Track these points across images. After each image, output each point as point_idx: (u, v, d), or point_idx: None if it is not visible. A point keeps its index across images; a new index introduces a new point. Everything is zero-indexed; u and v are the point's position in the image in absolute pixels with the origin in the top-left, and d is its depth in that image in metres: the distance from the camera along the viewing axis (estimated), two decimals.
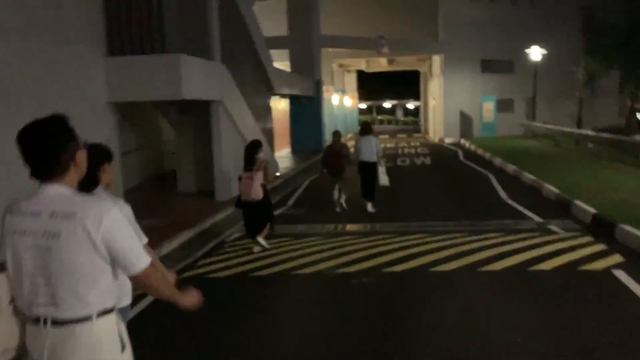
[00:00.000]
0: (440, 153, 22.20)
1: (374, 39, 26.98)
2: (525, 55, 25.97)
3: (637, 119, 29.43)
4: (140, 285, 2.18)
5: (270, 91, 16.51)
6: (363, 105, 64.57)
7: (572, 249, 6.84)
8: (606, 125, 28.20)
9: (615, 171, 13.16)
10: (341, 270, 6.45)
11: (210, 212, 9.93)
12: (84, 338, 2.01)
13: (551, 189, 10.85)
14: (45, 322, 2.00)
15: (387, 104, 67.23)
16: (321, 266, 6.63)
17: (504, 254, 6.73)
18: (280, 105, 27.29)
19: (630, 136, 17.30)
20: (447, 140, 28.37)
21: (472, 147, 22.74)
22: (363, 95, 58.78)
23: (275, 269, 6.55)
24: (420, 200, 11.48)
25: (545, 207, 9.97)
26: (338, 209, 10.36)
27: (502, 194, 11.65)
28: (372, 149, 10.24)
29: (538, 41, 25.41)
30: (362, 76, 45.70)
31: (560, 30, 26.93)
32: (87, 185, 2.55)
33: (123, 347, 2.12)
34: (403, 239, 7.79)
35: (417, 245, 7.38)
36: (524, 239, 7.46)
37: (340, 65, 35.79)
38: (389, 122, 62.51)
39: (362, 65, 35.95)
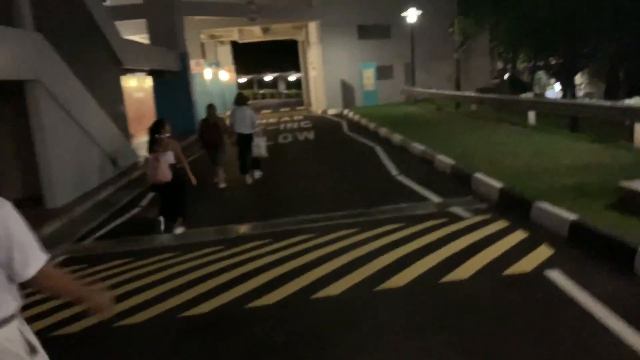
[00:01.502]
0: (324, 126, 20.73)
1: (243, 5, 24.66)
2: (402, 20, 25.14)
3: (515, 78, 30.16)
4: (42, 286, 1.95)
5: (119, 66, 13.82)
6: (243, 80, 61.93)
7: (487, 241, 5.46)
8: (480, 86, 28.59)
9: (506, 133, 12.37)
10: (184, 313, 4.50)
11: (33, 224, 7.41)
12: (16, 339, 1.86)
13: (444, 159, 9.63)
14: None
15: (269, 77, 65.10)
16: (159, 308, 4.63)
17: (406, 258, 5.17)
18: (146, 85, 24.29)
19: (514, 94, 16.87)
20: (331, 112, 27.06)
21: (356, 118, 21.54)
22: (242, 69, 56.10)
23: (90, 321, 4.44)
24: (302, 185, 9.76)
25: (442, 182, 8.70)
26: (222, 185, 10.02)
27: (392, 169, 10.28)
28: (246, 120, 10.04)
29: (413, 4, 24.65)
30: (237, 48, 42.98)
31: None
32: None
33: (33, 350, 1.94)
34: (278, 247, 6.00)
35: (296, 255, 5.62)
36: (426, 231, 5.99)
37: (212, 37, 32.97)
38: (272, 96, 60.45)
39: (235, 35, 33.37)
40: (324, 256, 5.49)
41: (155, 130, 7.07)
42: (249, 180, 10.28)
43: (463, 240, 5.54)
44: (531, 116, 13.44)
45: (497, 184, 7.23)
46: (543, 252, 5.00)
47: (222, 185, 10.09)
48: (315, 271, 5.08)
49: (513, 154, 9.51)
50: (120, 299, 4.76)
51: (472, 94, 18.87)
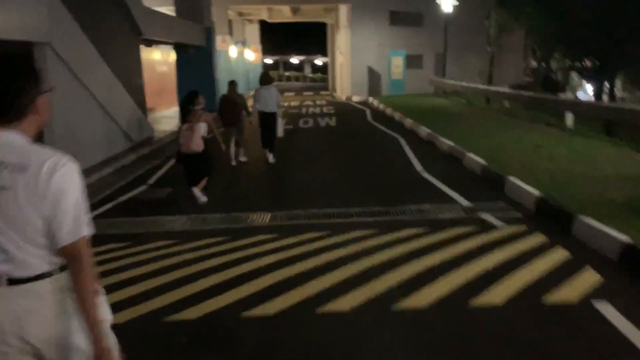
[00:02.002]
0: (347, 113, 20.02)
1: None
2: (436, 8, 24.16)
3: (548, 77, 28.95)
4: (69, 261, 1.77)
5: (139, 36, 13.27)
6: (269, 61, 61.19)
7: (523, 258, 4.78)
8: (511, 83, 27.53)
9: (540, 134, 11.55)
10: (170, 317, 3.93)
11: None
12: (47, 295, 1.77)
13: (475, 158, 8.90)
14: (0, 281, 1.74)
15: (295, 60, 64.18)
16: (144, 307, 4.07)
17: (430, 273, 4.53)
18: (170, 58, 23.80)
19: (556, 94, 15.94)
20: (355, 99, 26.29)
21: (381, 106, 20.77)
22: (269, 49, 55.37)
23: None
24: (319, 175, 9.14)
25: (470, 183, 8.00)
26: (233, 162, 10.01)
27: (417, 164, 9.58)
28: (272, 99, 10.02)
29: None
30: (266, 28, 42.27)
31: None
32: None
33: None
34: (285, 244, 5.40)
35: (304, 257, 5.01)
36: (453, 240, 5.33)
37: (240, 14, 32.29)
38: (297, 79, 59.61)
39: (264, 14, 32.61)
40: (336, 261, 4.87)
41: (188, 101, 7.21)
42: (270, 158, 10.26)
43: (495, 255, 4.87)
44: (569, 118, 12.57)
45: (534, 191, 6.51)
46: (589, 277, 4.31)
47: (243, 159, 10.27)
48: (324, 279, 4.47)
49: (550, 158, 8.74)
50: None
51: (506, 90, 17.96)
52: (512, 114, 15.54)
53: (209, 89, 20.73)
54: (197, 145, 7.05)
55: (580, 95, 32.67)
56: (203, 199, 7.20)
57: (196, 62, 20.37)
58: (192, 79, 19.86)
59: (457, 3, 23.09)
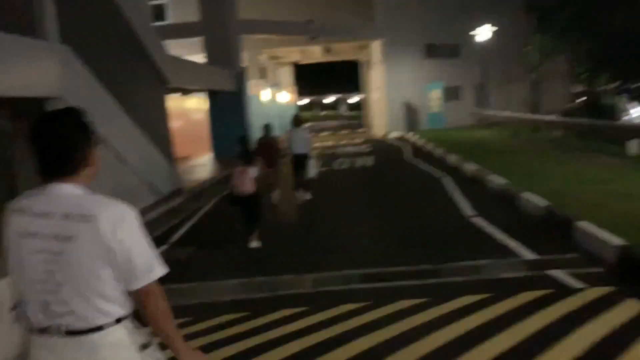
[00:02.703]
0: (384, 151, 19.13)
1: (302, 24, 23.65)
2: (472, 38, 23.32)
3: (595, 102, 27.37)
4: (144, 301, 1.84)
5: (164, 85, 12.87)
6: (304, 101, 61.38)
7: (619, 337, 3.68)
8: (554, 110, 26.12)
9: (603, 166, 10.33)
10: None
11: None
12: (100, 348, 1.80)
13: (532, 199, 7.79)
14: (57, 332, 1.79)
15: (330, 99, 64.24)
16: None
17: None
18: (202, 105, 23.66)
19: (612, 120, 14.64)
20: (392, 135, 25.40)
21: (420, 142, 19.79)
22: (304, 90, 55.53)
23: None
24: (354, 225, 8.21)
25: (531, 230, 6.91)
26: (274, 202, 10.17)
27: (465, 206, 8.54)
28: (304, 141, 10.15)
29: (485, 21, 22.80)
30: (299, 70, 42.31)
31: (507, 8, 24.40)
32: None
33: (145, 346, 1.89)
34: (314, 322, 4.45)
35: (338, 342, 4.03)
36: (523, 311, 4.26)
37: (273, 58, 32.26)
38: (333, 118, 59.43)
39: (296, 56, 32.50)
40: (380, 347, 3.89)
41: (245, 145, 7.57)
42: (304, 197, 10.29)
43: (583, 334, 3.78)
44: (633, 145, 11.28)
45: (613, 239, 5.39)
46: None
47: (275, 202, 10.28)
48: None
49: (623, 195, 7.55)
50: None
51: (556, 118, 16.73)
52: (564, 144, 14.30)
53: (242, 133, 20.32)
54: (250, 187, 7.27)
55: (627, 119, 30.89)
56: (257, 244, 7.32)
57: (228, 108, 20.05)
58: (224, 125, 19.54)
59: (494, 29, 22.13)
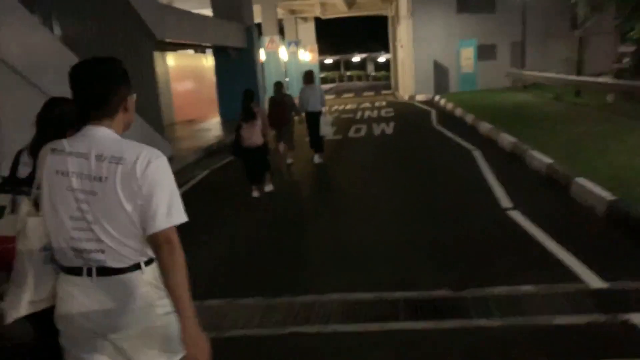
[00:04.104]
0: (408, 116, 17.16)
1: None
2: None
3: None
4: (160, 250, 1.79)
5: (151, 39, 11.15)
6: (329, 60, 58.84)
7: None
8: (599, 71, 23.50)
9: None
10: None
11: None
12: (136, 287, 1.82)
13: (590, 188, 5.93)
14: (89, 272, 1.82)
15: (357, 58, 61.39)
16: None
17: None
18: (207, 63, 21.90)
19: None
20: (419, 98, 23.26)
21: (449, 106, 17.72)
22: (327, 49, 53.06)
23: None
24: (365, 221, 6.52)
25: (593, 234, 5.11)
26: (289, 161, 10.09)
27: (501, 195, 6.71)
28: (317, 98, 9.96)
29: None
30: (322, 26, 39.88)
31: None
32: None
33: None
34: None
35: None
36: None
37: (291, 12, 30.07)
38: (359, 78, 56.82)
39: (317, 10, 30.18)
40: None
41: (250, 100, 7.48)
42: (317, 159, 10.12)
43: None
44: None
45: None
46: None
47: (289, 161, 10.11)
48: None
49: None
50: None
51: (609, 80, 14.44)
52: (618, 111, 12.14)
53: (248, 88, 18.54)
54: (259, 138, 7.45)
55: None
56: (270, 187, 7.88)
57: (238, 67, 18.27)
58: (233, 85, 17.73)
59: None
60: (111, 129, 1.86)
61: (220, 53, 18.23)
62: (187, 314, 1.78)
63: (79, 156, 1.81)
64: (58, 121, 2.50)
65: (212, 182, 9.34)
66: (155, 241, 1.79)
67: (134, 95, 1.95)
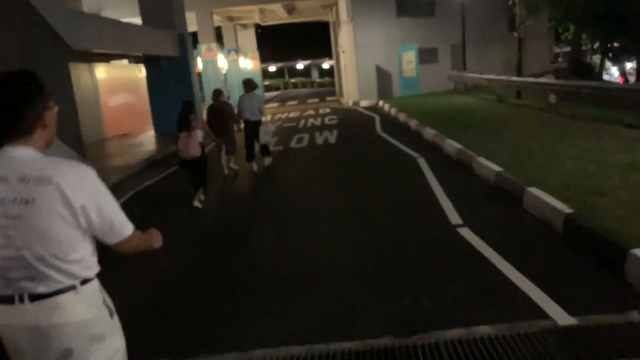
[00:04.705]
0: (352, 123, 16.61)
1: None
2: None
3: (578, 62, 25.08)
4: (121, 250, 1.92)
5: (66, 49, 10.07)
6: (273, 68, 58.08)
7: None
8: (537, 71, 23.86)
9: (622, 142, 8.01)
10: None
11: None
12: (70, 310, 1.78)
13: (546, 200, 5.42)
14: (21, 299, 1.74)
15: (301, 65, 60.92)
16: None
17: None
18: (141, 74, 20.68)
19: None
20: (363, 103, 22.84)
21: (393, 112, 17.30)
22: (270, 56, 52.41)
23: None
24: (300, 244, 5.78)
25: (551, 254, 4.57)
26: (226, 172, 9.79)
27: (449, 208, 6.14)
28: (254, 107, 9.73)
29: None
30: (264, 33, 39.13)
31: None
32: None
33: (111, 313, 1.92)
34: None
35: None
36: None
37: (229, 19, 29.13)
38: (304, 85, 56.32)
39: (256, 16, 29.34)
40: None
41: (188, 111, 7.39)
42: (255, 167, 9.88)
43: None
44: None
45: None
46: None
47: (234, 166, 9.95)
48: None
49: None
50: None
51: (553, 80, 14.39)
52: (560, 112, 11.96)
53: (186, 99, 17.51)
54: (196, 150, 7.36)
55: (607, 78, 29.07)
56: (199, 204, 7.59)
57: (171, 77, 17.22)
58: (167, 97, 16.67)
59: None
60: (31, 147, 1.77)
61: (151, 63, 17.14)
62: (151, 243, 2.06)
63: (0, 181, 1.73)
64: None
65: (144, 199, 8.38)
66: (118, 248, 1.87)
67: (55, 109, 1.85)
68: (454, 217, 5.78)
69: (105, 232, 1.80)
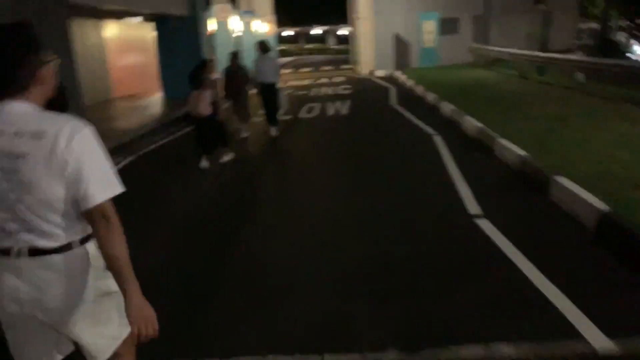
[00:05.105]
0: (366, 93, 15.94)
1: None
2: None
3: (606, 39, 23.93)
4: (97, 225, 1.70)
5: (63, 5, 9.49)
6: (289, 33, 56.84)
7: None
8: (562, 47, 22.79)
9: None
10: None
11: None
12: (69, 268, 1.75)
13: (576, 192, 4.87)
14: (18, 253, 1.72)
15: (317, 31, 59.54)
16: None
17: None
18: (148, 35, 20.03)
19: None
20: (379, 73, 22.06)
21: (409, 83, 16.58)
22: (287, 20, 50.99)
23: None
24: (300, 235, 5.32)
25: (587, 259, 4.05)
26: (243, 135, 9.66)
27: (468, 197, 5.59)
28: (271, 68, 9.48)
29: None
30: None
31: None
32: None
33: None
34: None
35: None
36: None
37: None
38: (320, 52, 55.09)
39: None
40: None
41: (198, 71, 7.39)
42: (274, 132, 9.74)
43: None
44: None
45: None
46: None
47: (244, 134, 9.73)
48: None
49: None
50: None
51: (581, 57, 13.54)
52: (588, 91, 11.24)
53: (204, 58, 16.91)
54: (205, 109, 7.33)
55: (629, 57, 27.94)
56: (227, 158, 7.82)
57: (181, 38, 16.59)
58: (176, 59, 16.09)
59: None
60: (29, 102, 1.74)
61: (161, 23, 16.50)
62: (129, 286, 1.70)
63: None
64: None
65: (144, 166, 7.94)
66: (90, 217, 1.71)
67: (52, 63, 1.79)
68: (472, 206, 5.26)
69: (88, 190, 1.67)
